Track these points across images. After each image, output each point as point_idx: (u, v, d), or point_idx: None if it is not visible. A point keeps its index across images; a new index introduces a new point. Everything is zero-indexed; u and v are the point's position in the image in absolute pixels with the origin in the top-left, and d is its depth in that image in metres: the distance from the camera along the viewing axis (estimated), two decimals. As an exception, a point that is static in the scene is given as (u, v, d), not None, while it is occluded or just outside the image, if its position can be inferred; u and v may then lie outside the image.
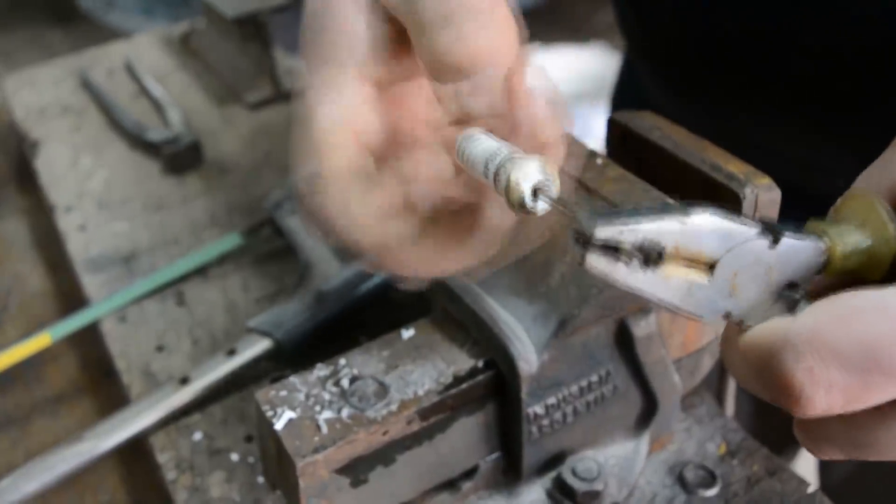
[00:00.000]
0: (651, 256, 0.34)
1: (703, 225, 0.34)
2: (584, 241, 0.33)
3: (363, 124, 0.42)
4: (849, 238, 0.36)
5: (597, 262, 0.33)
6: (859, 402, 0.31)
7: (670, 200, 0.51)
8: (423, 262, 0.42)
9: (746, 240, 0.35)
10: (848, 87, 0.64)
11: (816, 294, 0.35)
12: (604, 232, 0.33)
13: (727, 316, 0.36)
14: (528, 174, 0.38)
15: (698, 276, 0.35)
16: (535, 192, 0.38)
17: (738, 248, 0.35)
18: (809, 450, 0.35)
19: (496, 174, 0.39)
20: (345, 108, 0.42)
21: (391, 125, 0.43)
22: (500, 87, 0.39)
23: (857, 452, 0.34)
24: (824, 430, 0.34)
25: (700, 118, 0.61)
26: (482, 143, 0.40)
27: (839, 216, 0.38)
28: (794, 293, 0.36)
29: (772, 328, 0.32)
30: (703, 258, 0.34)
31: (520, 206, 0.39)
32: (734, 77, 0.70)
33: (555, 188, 0.38)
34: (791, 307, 0.35)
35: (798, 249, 0.36)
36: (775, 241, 0.35)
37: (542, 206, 0.38)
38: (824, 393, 0.30)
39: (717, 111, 0.73)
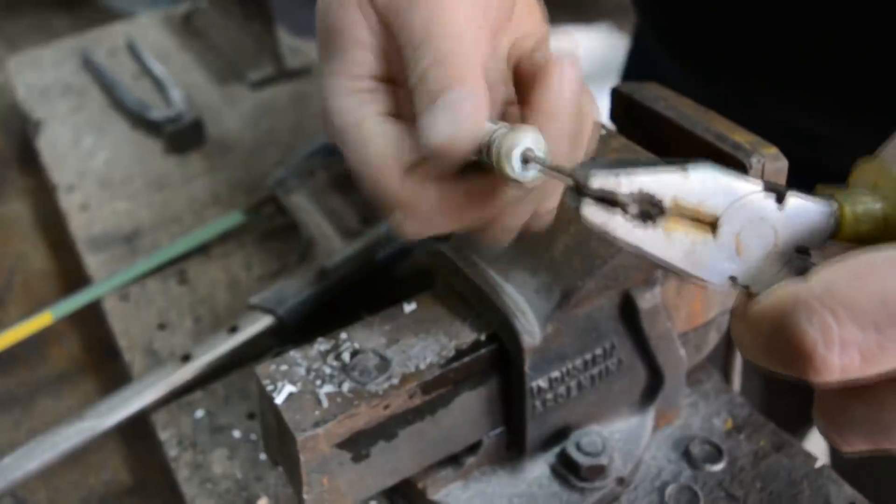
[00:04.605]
0: (650, 209, 0.33)
1: (704, 177, 0.33)
2: (580, 192, 0.32)
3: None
4: (859, 200, 0.35)
5: (593, 214, 0.32)
6: (877, 361, 0.29)
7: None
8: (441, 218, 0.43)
9: (749, 194, 0.33)
10: (866, 61, 0.62)
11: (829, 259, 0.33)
12: (599, 181, 0.32)
13: (733, 280, 0.35)
14: (517, 143, 0.37)
15: (701, 233, 0.34)
16: (526, 161, 0.38)
17: (741, 205, 0.33)
18: (833, 441, 0.33)
19: (489, 148, 0.39)
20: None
21: None
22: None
23: (883, 438, 0.32)
24: (846, 413, 0.32)
25: (712, 95, 0.60)
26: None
27: (849, 183, 0.37)
28: (805, 259, 0.35)
29: (782, 289, 0.31)
30: (705, 214, 0.33)
31: (510, 174, 0.38)
32: (748, 50, 0.69)
33: (545, 155, 0.38)
34: (802, 274, 0.33)
35: (806, 210, 0.34)
36: (780, 198, 0.34)
37: (532, 174, 0.38)
38: (839, 351, 0.29)
39: (730, 86, 0.72)
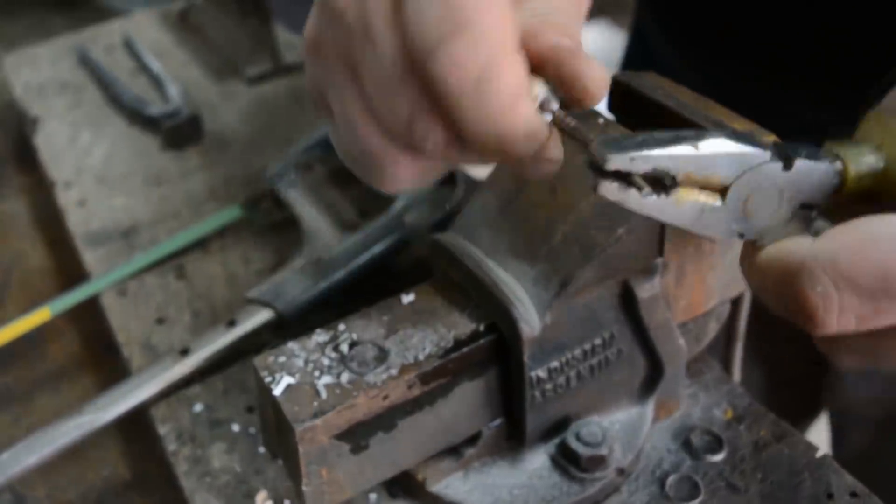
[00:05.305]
0: (663, 183, 0.34)
1: (716, 150, 0.35)
2: (597, 171, 0.34)
3: None
4: (863, 160, 0.37)
5: (609, 190, 0.34)
6: (870, 325, 0.33)
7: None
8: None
9: (759, 163, 0.35)
10: (869, 53, 0.62)
11: (832, 210, 0.36)
12: (615, 161, 0.33)
13: (741, 236, 0.37)
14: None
15: (711, 200, 0.36)
16: (542, 107, 0.39)
17: (750, 172, 0.35)
18: (830, 359, 0.37)
19: None
20: None
21: None
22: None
23: (877, 361, 0.35)
24: (844, 342, 0.35)
25: (711, 85, 0.59)
26: None
27: (857, 137, 0.38)
28: (810, 213, 0.37)
29: (791, 249, 0.34)
30: (716, 182, 0.35)
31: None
32: (748, 39, 0.68)
33: (556, 105, 0.39)
34: (807, 225, 0.37)
35: (811, 171, 0.36)
36: (788, 164, 0.35)
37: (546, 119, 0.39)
38: (837, 316, 0.32)
39: (730, 76, 0.71)
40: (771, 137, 0.51)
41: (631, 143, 0.34)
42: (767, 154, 0.35)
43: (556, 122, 0.38)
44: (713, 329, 0.60)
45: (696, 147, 0.34)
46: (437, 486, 0.53)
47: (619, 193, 0.34)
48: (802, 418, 0.96)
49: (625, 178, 0.34)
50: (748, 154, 0.35)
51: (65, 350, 0.75)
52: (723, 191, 0.35)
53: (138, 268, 0.74)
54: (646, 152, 0.34)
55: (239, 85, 1.00)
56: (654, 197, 0.35)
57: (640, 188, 0.34)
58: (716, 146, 0.34)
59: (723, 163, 0.35)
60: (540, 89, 0.38)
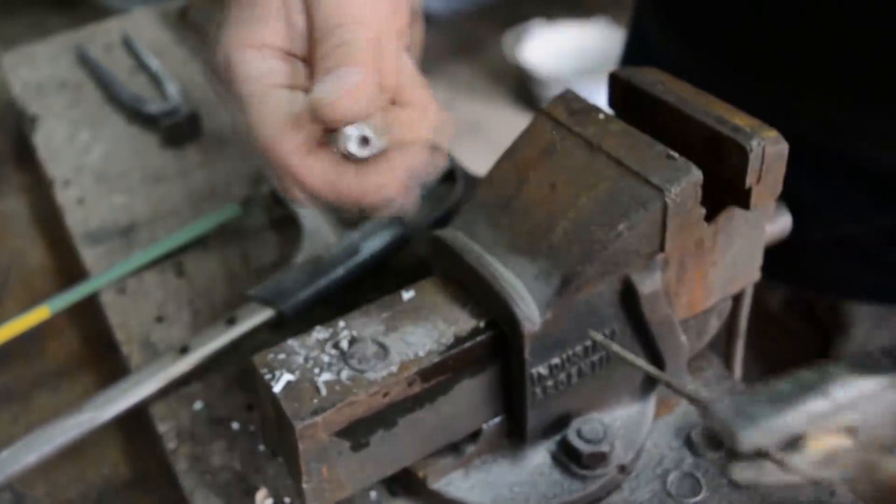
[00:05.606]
0: (793, 445, 0.31)
1: (849, 395, 0.31)
2: (729, 451, 0.30)
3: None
4: None
5: (745, 475, 0.30)
6: None
7: (674, 154, 0.50)
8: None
9: (882, 390, 0.32)
10: (870, 47, 0.62)
11: None
12: (750, 438, 0.29)
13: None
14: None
15: (842, 441, 0.32)
16: (364, 141, 0.42)
17: (872, 402, 0.32)
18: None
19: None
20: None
21: None
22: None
23: None
24: None
25: (713, 82, 0.59)
26: None
27: None
28: None
29: None
30: (843, 426, 0.32)
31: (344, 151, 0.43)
32: (749, 36, 0.68)
33: (378, 139, 0.43)
34: None
35: None
36: None
37: (365, 153, 0.43)
38: None
39: (731, 73, 0.71)
40: (772, 133, 0.50)
41: (759, 408, 0.29)
42: (886, 378, 0.31)
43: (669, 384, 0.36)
44: (714, 326, 0.60)
45: (828, 398, 0.30)
46: (438, 484, 0.53)
47: (755, 474, 0.30)
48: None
49: (759, 456, 0.30)
50: (876, 388, 0.31)
51: (64, 348, 0.75)
52: (852, 430, 0.31)
53: (137, 266, 0.74)
54: (780, 420, 0.29)
55: (238, 83, 0.99)
56: (789, 461, 0.31)
57: (776, 460, 0.30)
58: (848, 391, 0.31)
59: (850, 403, 0.31)
60: (351, 130, 0.42)
